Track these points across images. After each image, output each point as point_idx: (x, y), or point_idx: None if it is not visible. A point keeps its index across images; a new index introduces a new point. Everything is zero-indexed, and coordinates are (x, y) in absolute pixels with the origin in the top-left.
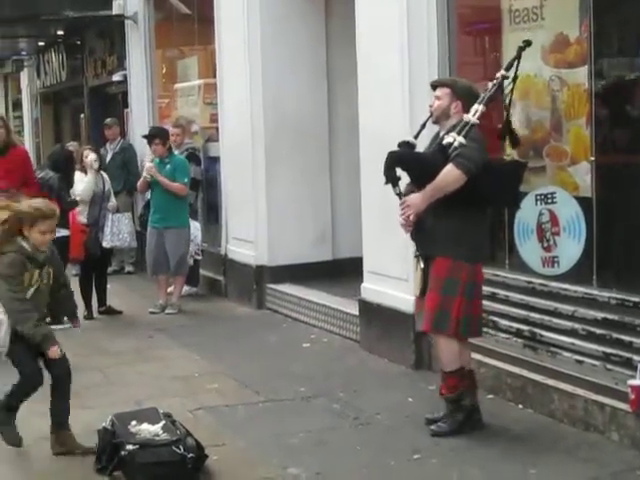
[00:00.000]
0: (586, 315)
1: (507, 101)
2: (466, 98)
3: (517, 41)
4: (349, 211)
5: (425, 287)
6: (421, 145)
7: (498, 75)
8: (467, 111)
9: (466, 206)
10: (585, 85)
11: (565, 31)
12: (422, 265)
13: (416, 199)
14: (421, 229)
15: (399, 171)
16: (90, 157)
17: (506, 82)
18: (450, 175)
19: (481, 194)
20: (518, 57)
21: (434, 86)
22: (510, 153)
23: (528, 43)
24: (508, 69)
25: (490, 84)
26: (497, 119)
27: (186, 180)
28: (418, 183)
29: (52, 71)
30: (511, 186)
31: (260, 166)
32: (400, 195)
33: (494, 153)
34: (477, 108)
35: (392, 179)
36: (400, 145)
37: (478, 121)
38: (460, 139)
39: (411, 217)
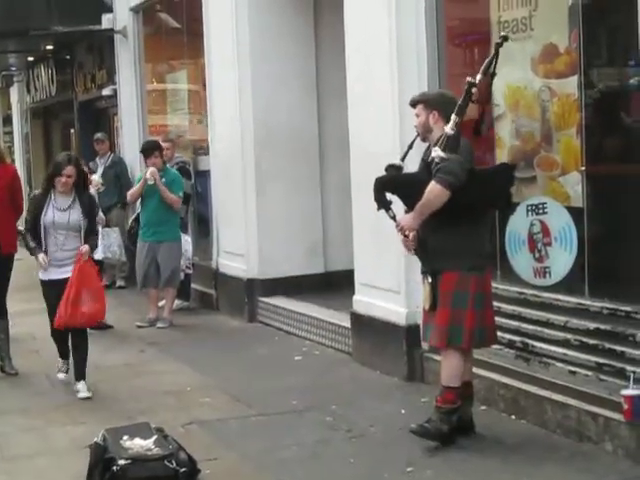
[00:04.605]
0: (578, 325)
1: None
2: (440, 106)
3: (506, 52)
4: (340, 223)
5: (435, 301)
6: (414, 163)
7: (468, 80)
8: (448, 118)
9: (463, 217)
10: (575, 95)
11: (554, 41)
12: (430, 280)
13: (408, 220)
14: (424, 246)
15: (389, 195)
16: (95, 179)
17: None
18: (432, 192)
19: (473, 202)
20: (496, 54)
21: (412, 106)
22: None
23: (505, 38)
24: (486, 70)
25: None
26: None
27: (181, 193)
28: (408, 204)
29: (42, 86)
30: (502, 189)
31: (250, 179)
32: (394, 218)
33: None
34: (452, 118)
35: (383, 204)
36: (386, 169)
37: (452, 131)
38: (440, 153)
39: (410, 236)
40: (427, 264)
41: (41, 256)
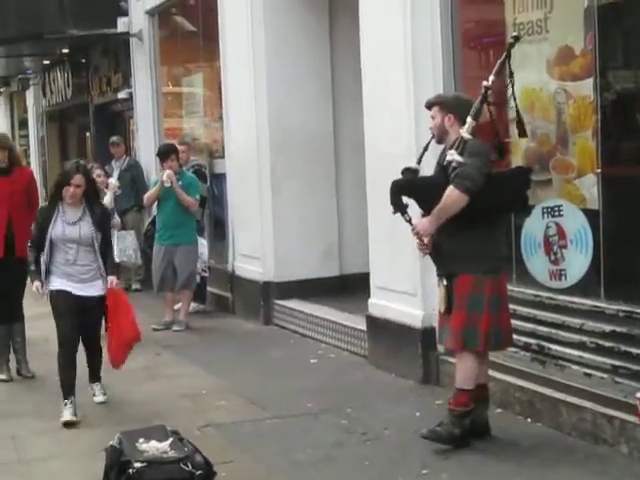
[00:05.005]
0: (594, 328)
1: (511, 97)
2: (455, 109)
3: (522, 54)
4: (356, 226)
5: (450, 304)
6: (430, 165)
7: (484, 84)
8: (463, 120)
9: (479, 221)
10: (591, 97)
11: (570, 44)
12: (445, 283)
13: (424, 224)
14: (439, 249)
15: (405, 198)
16: (112, 182)
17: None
18: (450, 197)
19: (489, 206)
20: (508, 55)
21: (428, 108)
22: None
23: (516, 38)
24: (499, 71)
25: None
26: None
27: (198, 196)
28: (425, 208)
29: (57, 89)
30: (519, 192)
31: (266, 182)
32: (410, 222)
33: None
34: (468, 122)
35: (399, 207)
36: (403, 172)
37: (470, 136)
38: (457, 157)
39: (425, 240)
40: (442, 267)
41: (36, 284)
